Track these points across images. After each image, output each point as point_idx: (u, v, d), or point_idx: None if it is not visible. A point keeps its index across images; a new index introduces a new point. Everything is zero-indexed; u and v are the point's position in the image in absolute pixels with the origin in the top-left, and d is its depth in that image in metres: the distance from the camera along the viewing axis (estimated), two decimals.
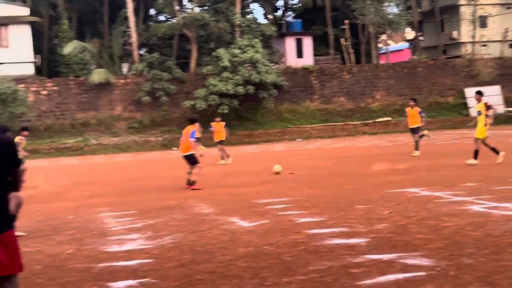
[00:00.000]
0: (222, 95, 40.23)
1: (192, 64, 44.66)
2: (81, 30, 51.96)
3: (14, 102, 38.02)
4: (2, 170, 4.45)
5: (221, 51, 40.82)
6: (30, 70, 43.06)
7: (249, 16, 49.11)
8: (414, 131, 22.11)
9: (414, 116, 22.13)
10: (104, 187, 17.65)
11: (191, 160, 16.07)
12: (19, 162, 4.55)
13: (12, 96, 37.83)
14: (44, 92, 41.65)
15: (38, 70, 45.85)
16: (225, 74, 40.12)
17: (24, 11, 42.91)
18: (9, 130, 14.88)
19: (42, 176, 22.18)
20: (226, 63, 39.91)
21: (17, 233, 9.32)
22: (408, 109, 22.55)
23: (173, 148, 39.66)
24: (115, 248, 8.63)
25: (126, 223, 10.75)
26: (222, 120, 26.02)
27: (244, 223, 10.03)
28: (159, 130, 42.14)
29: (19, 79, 40.40)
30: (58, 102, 41.61)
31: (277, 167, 18.62)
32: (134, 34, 44.61)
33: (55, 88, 41.74)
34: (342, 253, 7.45)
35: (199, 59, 45.25)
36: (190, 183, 15.72)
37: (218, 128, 24.90)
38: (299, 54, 49.71)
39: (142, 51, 48.51)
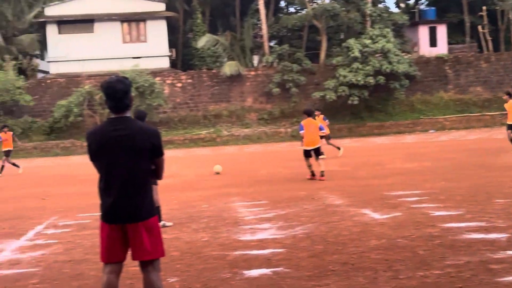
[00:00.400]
0: (352, 86, 39.82)
1: (322, 55, 44.50)
2: (213, 23, 53.22)
3: (151, 94, 39.63)
4: (147, 158, 4.66)
5: (351, 42, 40.37)
6: (165, 63, 44.70)
7: (380, 5, 48.18)
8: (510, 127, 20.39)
9: (510, 111, 20.33)
10: (236, 177, 18.00)
11: (318, 152, 16.03)
12: (162, 151, 4.75)
13: (149, 89, 39.45)
14: (179, 85, 43.10)
15: (173, 64, 47.49)
16: (355, 65, 39.65)
17: (160, 7, 44.57)
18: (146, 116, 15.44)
19: (178, 165, 23.02)
20: (357, 54, 39.43)
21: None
22: (506, 105, 20.79)
23: None
24: (248, 237, 8.79)
25: (258, 213, 10.91)
26: (322, 113, 25.11)
27: (376, 215, 9.89)
28: (289, 122, 42.37)
29: (155, 72, 42.08)
30: (192, 94, 42.92)
31: (217, 167, 19.28)
32: (264, 26, 45.10)
33: (189, 80, 43.07)
34: (481, 248, 7.16)
35: (328, 50, 45.00)
36: (322, 174, 15.70)
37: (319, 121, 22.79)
38: (433, 43, 48.13)
39: (272, 43, 48.98)
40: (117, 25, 43.62)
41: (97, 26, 43.40)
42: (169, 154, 30.18)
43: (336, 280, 6.28)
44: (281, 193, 13.43)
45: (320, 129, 16.70)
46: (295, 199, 12.38)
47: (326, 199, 12.10)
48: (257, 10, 46.80)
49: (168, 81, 42.86)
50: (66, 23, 43.30)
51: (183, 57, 50.31)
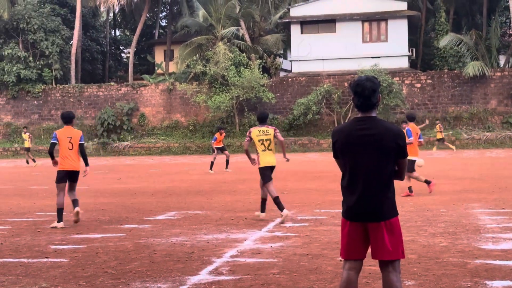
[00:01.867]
0: None
1: None
2: (457, 22, 51.32)
3: (389, 94, 39.33)
4: (391, 158, 4.61)
5: None
6: (404, 63, 44.06)
7: None
8: None
9: None
10: (477, 182, 17.16)
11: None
12: (406, 152, 4.66)
13: (387, 89, 39.19)
14: (418, 85, 42.23)
15: (413, 63, 46.68)
16: None
17: (402, 5, 43.97)
18: (415, 118, 15.46)
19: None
20: None
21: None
22: None
23: None
24: (490, 245, 8.31)
25: (501, 221, 10.29)
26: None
27: None
28: None
29: (394, 72, 41.67)
30: (431, 95, 41.81)
31: (420, 162, 15.86)
32: None
33: (429, 81, 42.01)
34: None
35: None
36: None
37: None
38: None
39: None
40: (358, 25, 43.94)
41: (338, 25, 44.10)
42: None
43: None
44: None
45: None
46: None
47: None
48: (507, 8, 44.16)
49: (407, 81, 42.21)
50: (309, 23, 44.62)
51: (423, 56, 49.21)
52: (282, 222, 10.64)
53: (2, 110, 47.41)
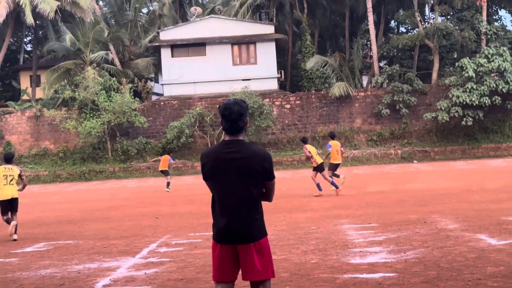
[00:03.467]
0: (465, 106, 38.61)
1: (434, 75, 43.48)
2: (322, 45, 53.35)
3: (260, 116, 40.10)
4: (259, 181, 4.71)
5: (465, 61, 39.17)
6: (274, 85, 45.12)
7: (496, 24, 46.60)
8: None
9: None
10: (345, 199, 17.82)
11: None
12: (273, 175, 4.78)
13: (258, 110, 39.95)
14: (288, 106, 43.36)
15: (282, 85, 47.91)
16: (469, 85, 38.40)
17: (269, 29, 45.09)
18: (335, 136, 20.12)
19: (287, 186, 23.07)
20: (471, 73, 38.22)
21: None
22: None
23: (414, 161, 38.95)
24: (358, 260, 8.66)
25: (368, 236, 10.74)
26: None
27: (493, 241, 9.48)
28: (399, 143, 41.65)
29: (264, 94, 42.57)
30: (300, 115, 43.05)
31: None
32: (374, 46, 44.69)
33: (298, 101, 43.24)
34: None
35: (441, 69, 43.97)
36: None
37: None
38: None
39: (381, 64, 48.44)
40: (227, 48, 44.55)
41: (209, 49, 44.49)
42: (278, 175, 30.44)
43: None
44: (392, 216, 13.16)
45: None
46: (406, 222, 12.10)
47: (439, 223, 11.73)
48: (367, 31, 46.46)
49: (277, 103, 43.22)
50: (179, 47, 44.71)
51: (292, 78, 50.63)
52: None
53: None
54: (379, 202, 16.50)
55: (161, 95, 49.72)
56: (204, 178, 4.88)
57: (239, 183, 4.65)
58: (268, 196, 4.86)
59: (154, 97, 49.94)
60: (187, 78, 44.26)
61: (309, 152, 19.25)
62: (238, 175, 4.65)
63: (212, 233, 4.86)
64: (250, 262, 4.63)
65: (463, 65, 39.12)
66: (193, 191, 24.74)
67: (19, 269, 9.41)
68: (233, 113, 4.69)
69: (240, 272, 4.76)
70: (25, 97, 50.46)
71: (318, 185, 18.85)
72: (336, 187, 18.91)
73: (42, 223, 15.92)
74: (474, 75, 38.39)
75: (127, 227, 13.93)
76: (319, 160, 19.15)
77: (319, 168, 19.04)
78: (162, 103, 43.97)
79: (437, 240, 9.87)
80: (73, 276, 8.63)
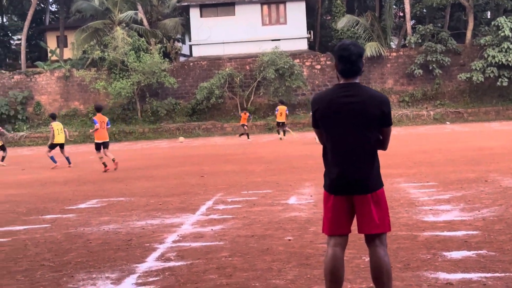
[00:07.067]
0: (501, 66, 37.82)
1: (468, 34, 42.49)
2: (350, 4, 52.39)
3: (291, 76, 39.63)
4: (376, 127, 4.39)
5: (502, 20, 38.21)
6: (304, 45, 44.50)
7: None
8: None
9: None
10: (392, 158, 17.44)
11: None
12: (391, 120, 4.45)
13: (289, 71, 39.47)
14: (318, 67, 42.79)
15: (311, 46, 47.22)
16: (506, 44, 37.55)
17: None
18: (102, 109, 20.51)
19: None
20: (507, 32, 37.31)
21: None
22: None
23: (447, 123, 38.37)
24: (431, 217, 8.35)
25: (431, 194, 10.43)
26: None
27: None
28: (431, 104, 41.02)
29: (294, 54, 42.01)
30: (331, 76, 42.42)
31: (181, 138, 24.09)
32: (407, 5, 43.71)
33: (328, 62, 42.60)
34: None
35: (475, 29, 42.98)
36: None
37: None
38: None
39: (412, 23, 47.49)
40: (257, 8, 43.91)
41: (238, 8, 43.89)
42: (308, 136, 30.11)
43: None
44: (447, 175, 12.80)
45: None
46: (466, 181, 11.75)
47: (502, 182, 11.36)
48: None
49: (307, 63, 42.67)
50: (208, 7, 44.14)
51: (321, 38, 49.91)
52: None
53: None
54: (427, 161, 16.12)
55: (188, 56, 49.33)
56: (315, 125, 4.56)
57: (356, 129, 4.33)
58: (383, 143, 4.53)
59: (181, 59, 49.53)
60: (216, 38, 43.77)
61: None
62: (355, 120, 4.32)
63: (323, 183, 4.57)
64: (367, 214, 4.34)
65: (499, 24, 38.19)
66: (227, 151, 24.53)
67: (79, 224, 9.24)
68: (353, 54, 4.36)
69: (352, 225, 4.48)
70: (53, 57, 50.35)
71: None
72: None
73: (87, 181, 15.81)
74: (510, 34, 37.48)
75: (174, 185, 13.73)
76: None
77: None
78: (191, 63, 43.59)
79: (508, 198, 9.53)
80: (137, 232, 8.43)
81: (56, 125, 21.29)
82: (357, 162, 4.34)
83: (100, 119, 19.07)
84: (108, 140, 19.30)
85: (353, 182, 4.33)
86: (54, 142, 21.06)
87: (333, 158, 4.41)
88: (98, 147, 19.05)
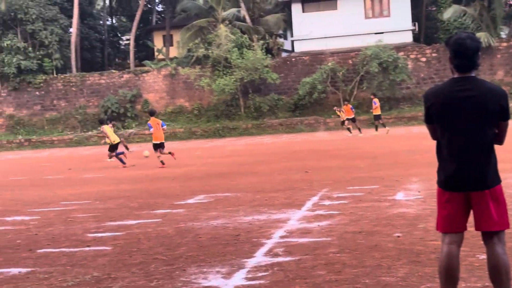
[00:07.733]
0: None
1: None
2: None
3: (395, 70, 38.95)
4: (494, 121, 4.24)
5: None
6: (409, 38, 43.60)
7: None
8: None
9: None
10: (504, 153, 16.73)
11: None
12: (509, 114, 4.28)
13: (393, 64, 38.80)
14: (423, 59, 41.79)
15: (415, 38, 46.19)
16: None
17: None
18: (155, 113, 21.06)
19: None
20: None
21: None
22: None
23: None
24: None
25: None
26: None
27: None
28: None
29: (398, 47, 41.22)
30: (437, 69, 41.37)
31: (146, 153, 24.75)
32: None
33: (434, 54, 41.54)
34: None
35: None
36: None
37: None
38: None
39: None
40: (360, 1, 43.43)
41: (340, 2, 43.59)
42: (414, 130, 29.50)
43: None
44: None
45: None
46: None
47: None
48: None
49: (412, 56, 41.76)
50: (310, 2, 44.09)
51: (426, 30, 48.71)
52: None
53: (4, 102, 46.89)
54: None
55: (290, 51, 49.44)
56: (428, 121, 4.43)
57: (473, 124, 4.19)
58: (500, 138, 4.36)
59: (283, 54, 49.73)
60: (318, 33, 43.65)
61: None
62: (473, 115, 4.18)
63: (437, 180, 4.45)
64: (485, 211, 4.19)
65: None
66: (332, 146, 24.42)
67: (189, 219, 9.46)
68: (469, 49, 4.21)
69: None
70: (160, 56, 51.89)
71: None
72: None
73: (193, 177, 16.17)
74: None
75: (279, 181, 13.81)
76: None
77: None
78: (293, 59, 43.70)
79: None
80: (245, 227, 8.54)
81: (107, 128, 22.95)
82: (474, 158, 4.20)
83: (154, 122, 20.28)
84: (163, 141, 20.56)
85: (470, 178, 4.20)
86: (114, 143, 22.17)
87: (449, 153, 4.28)
88: (155, 147, 20.42)
